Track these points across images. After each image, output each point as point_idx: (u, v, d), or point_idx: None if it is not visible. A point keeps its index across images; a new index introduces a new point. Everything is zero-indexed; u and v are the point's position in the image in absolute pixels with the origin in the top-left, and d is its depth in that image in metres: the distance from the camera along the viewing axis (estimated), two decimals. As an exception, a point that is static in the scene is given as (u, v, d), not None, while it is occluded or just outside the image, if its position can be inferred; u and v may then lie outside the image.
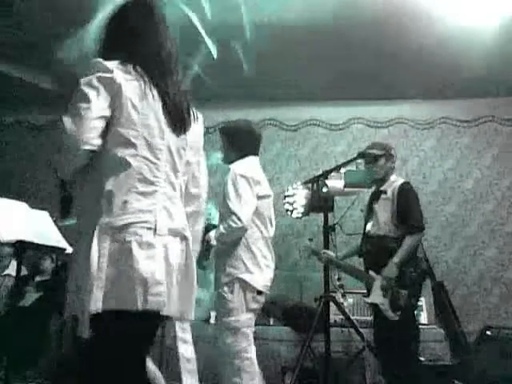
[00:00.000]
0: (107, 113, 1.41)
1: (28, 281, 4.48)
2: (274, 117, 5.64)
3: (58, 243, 2.83)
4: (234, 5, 3.73)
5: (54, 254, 4.40)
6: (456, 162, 5.38)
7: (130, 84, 1.45)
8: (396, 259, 2.98)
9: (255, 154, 2.88)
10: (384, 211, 3.17)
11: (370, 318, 3.74)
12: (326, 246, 3.60)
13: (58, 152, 1.44)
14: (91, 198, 1.41)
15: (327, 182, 3.54)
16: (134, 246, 1.35)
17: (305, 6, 3.88)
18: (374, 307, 3.11)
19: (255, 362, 2.60)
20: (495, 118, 5.42)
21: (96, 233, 1.33)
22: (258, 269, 2.66)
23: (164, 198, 1.47)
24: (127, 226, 1.36)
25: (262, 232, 2.74)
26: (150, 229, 1.39)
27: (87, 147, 1.37)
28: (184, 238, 1.52)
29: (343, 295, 3.95)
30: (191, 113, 1.63)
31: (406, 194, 3.14)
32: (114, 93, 1.41)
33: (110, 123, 1.42)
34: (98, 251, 1.32)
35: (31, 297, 4.37)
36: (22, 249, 2.75)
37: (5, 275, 4.49)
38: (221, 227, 2.61)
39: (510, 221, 5.18)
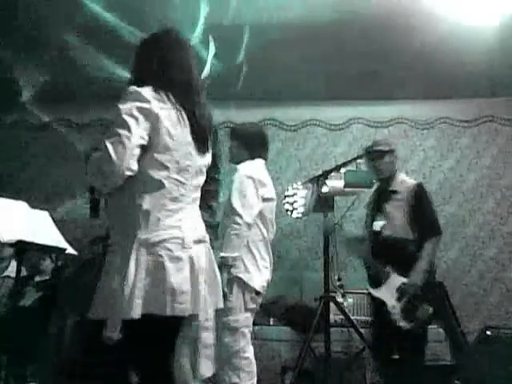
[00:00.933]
0: (145, 141, 1.57)
1: (28, 281, 4.48)
2: (274, 117, 5.64)
3: (58, 243, 2.83)
4: (234, 5, 3.73)
5: (54, 254, 4.39)
6: (456, 162, 5.38)
7: (166, 112, 1.60)
8: (424, 265, 2.95)
9: (265, 158, 2.93)
10: (398, 212, 3.13)
11: (370, 318, 3.73)
12: (326, 246, 3.60)
13: (90, 169, 1.62)
14: (126, 214, 1.59)
15: (327, 181, 3.54)
16: (166, 261, 1.54)
17: (305, 6, 3.88)
18: (378, 304, 3.08)
19: (253, 361, 2.62)
20: (495, 118, 5.42)
21: (135, 247, 1.52)
22: (257, 270, 2.69)
23: (188, 212, 1.67)
24: (161, 241, 1.55)
25: (263, 234, 2.76)
26: (178, 244, 1.58)
27: (128, 173, 1.55)
28: (205, 244, 1.72)
29: (343, 295, 3.95)
30: (212, 133, 1.82)
31: (423, 196, 3.14)
32: (152, 122, 1.57)
33: (146, 148, 1.59)
34: (136, 263, 1.50)
35: (31, 297, 4.37)
36: (21, 249, 2.75)
37: (4, 276, 4.49)
38: (226, 235, 2.62)
39: (510, 221, 5.18)
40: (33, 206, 2.87)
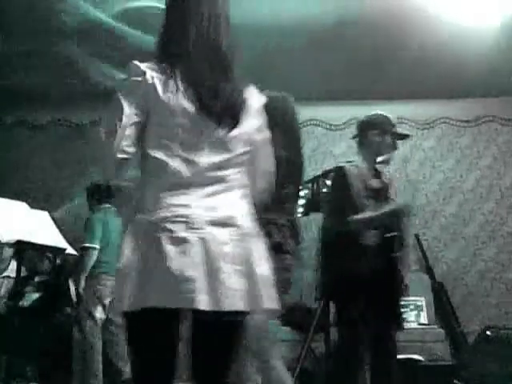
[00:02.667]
0: (141, 118, 1.40)
1: (28, 281, 4.48)
2: (274, 117, 5.63)
3: (58, 243, 2.83)
4: (233, 4, 3.73)
5: (53, 254, 4.39)
6: (456, 162, 5.38)
7: (163, 84, 1.40)
8: None
9: None
10: None
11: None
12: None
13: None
14: (132, 198, 1.48)
15: (327, 181, 3.54)
16: (165, 242, 1.30)
17: (304, 6, 3.88)
18: None
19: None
20: (495, 118, 5.42)
21: (129, 229, 1.37)
22: None
23: (204, 192, 1.40)
24: (160, 220, 1.33)
25: None
26: (183, 223, 1.33)
27: (122, 155, 1.40)
28: (234, 228, 1.40)
29: (343, 295, 3.94)
30: (240, 108, 1.51)
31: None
32: (147, 96, 1.40)
33: (144, 125, 1.42)
34: (131, 249, 1.33)
35: (31, 297, 4.37)
36: (21, 249, 2.75)
37: (4, 276, 4.49)
38: None
39: (510, 221, 5.18)
40: (33, 206, 2.87)
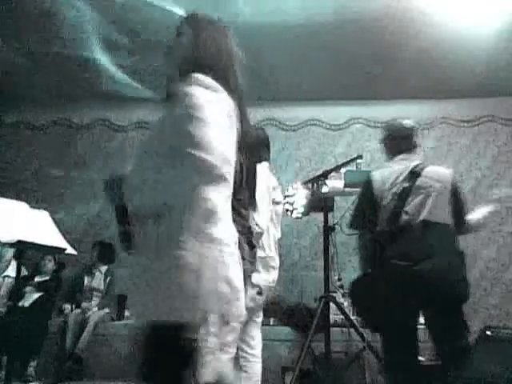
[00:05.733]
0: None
1: (28, 281, 4.48)
2: (274, 117, 5.64)
3: (58, 243, 2.82)
4: (234, 4, 3.73)
5: (53, 254, 4.40)
6: (456, 162, 5.38)
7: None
8: None
9: (268, 160, 2.92)
10: None
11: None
12: (326, 247, 3.60)
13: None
14: (192, 212, 1.44)
15: (327, 181, 3.54)
16: (228, 259, 1.40)
17: (305, 6, 3.88)
18: None
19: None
20: (495, 118, 5.42)
21: (204, 243, 1.38)
22: (265, 270, 2.71)
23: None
24: (223, 239, 1.41)
25: (273, 235, 2.81)
26: (234, 242, 1.47)
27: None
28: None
29: (343, 295, 3.95)
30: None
31: None
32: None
33: None
34: (203, 260, 1.36)
35: (31, 297, 4.37)
36: (21, 249, 2.75)
37: (4, 276, 4.49)
38: None
39: (510, 221, 5.18)
40: (32, 206, 2.87)
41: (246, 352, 2.64)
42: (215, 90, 1.44)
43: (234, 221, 2.01)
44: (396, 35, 4.18)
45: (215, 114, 1.40)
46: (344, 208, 4.04)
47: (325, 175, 3.57)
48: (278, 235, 2.89)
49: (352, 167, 3.66)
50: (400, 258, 2.42)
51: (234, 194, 1.77)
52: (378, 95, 5.27)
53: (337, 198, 3.92)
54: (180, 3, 3.61)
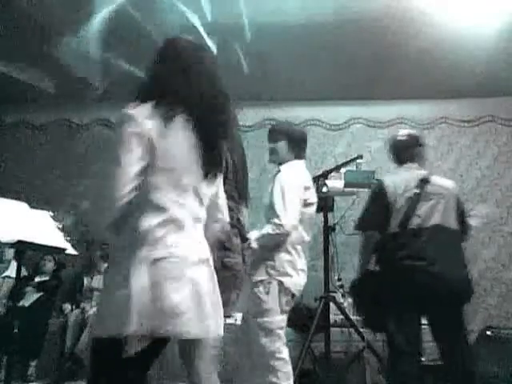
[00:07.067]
0: (142, 166, 1.51)
1: (28, 281, 4.48)
2: (274, 117, 5.63)
3: (58, 243, 2.82)
4: (234, 5, 3.73)
5: (53, 254, 4.40)
6: (456, 162, 5.38)
7: (166, 131, 1.53)
8: None
9: (304, 157, 2.88)
10: None
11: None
12: (326, 247, 3.61)
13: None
14: (126, 234, 1.55)
15: (327, 181, 3.54)
16: (165, 279, 1.47)
17: (305, 6, 3.88)
18: None
19: (289, 362, 2.60)
20: (495, 118, 5.42)
21: (135, 263, 1.47)
22: (295, 272, 2.67)
23: (190, 233, 1.59)
24: (160, 259, 1.49)
25: (303, 237, 2.75)
26: (177, 263, 1.51)
27: (123, 201, 1.50)
28: (208, 266, 1.64)
29: (343, 295, 3.96)
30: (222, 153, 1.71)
31: None
32: (146, 144, 1.51)
33: (145, 171, 1.52)
34: (136, 281, 1.45)
35: (31, 297, 4.37)
36: (21, 249, 2.75)
37: (4, 276, 4.49)
38: (264, 230, 2.61)
39: (510, 221, 5.18)
40: (33, 206, 2.87)
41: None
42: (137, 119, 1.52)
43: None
44: (396, 35, 4.18)
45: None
46: (344, 208, 4.05)
47: (325, 175, 3.57)
48: (308, 238, 2.80)
49: (352, 167, 3.66)
50: (414, 258, 2.55)
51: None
52: (378, 95, 5.27)
53: (337, 198, 3.92)
54: (182, 3, 3.61)
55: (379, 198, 2.73)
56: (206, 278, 1.60)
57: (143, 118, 1.52)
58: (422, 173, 2.79)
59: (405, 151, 2.88)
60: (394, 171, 2.92)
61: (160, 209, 1.53)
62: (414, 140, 2.92)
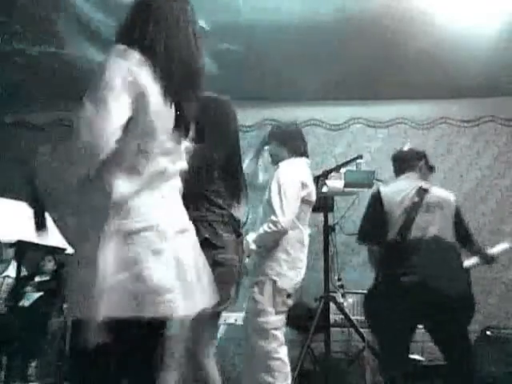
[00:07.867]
0: (126, 119, 1.36)
1: (28, 281, 4.48)
2: (274, 117, 5.62)
3: (58, 243, 2.82)
4: (234, 5, 3.73)
5: (53, 254, 4.40)
6: (456, 162, 5.38)
7: (154, 87, 1.37)
8: None
9: (306, 155, 2.90)
10: None
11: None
12: (326, 247, 3.60)
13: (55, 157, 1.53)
14: (95, 203, 1.36)
15: (327, 181, 3.54)
16: (145, 253, 1.30)
17: (305, 6, 3.88)
18: None
19: (287, 362, 2.61)
20: (495, 118, 5.42)
21: (104, 237, 1.28)
22: (293, 272, 2.68)
23: (169, 200, 1.44)
24: (136, 231, 1.31)
25: (301, 235, 2.76)
26: (158, 233, 1.34)
27: (101, 157, 1.35)
28: (190, 234, 1.50)
29: (343, 295, 3.95)
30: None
31: None
32: (136, 98, 1.36)
33: (126, 128, 1.36)
34: (106, 256, 1.26)
35: (31, 297, 4.37)
36: (22, 249, 2.75)
37: (4, 276, 4.49)
38: (260, 229, 2.62)
39: (510, 220, 5.17)
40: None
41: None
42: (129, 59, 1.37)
43: (209, 210, 2.04)
44: (396, 35, 4.18)
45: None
46: (344, 208, 4.05)
47: (325, 175, 3.57)
48: (307, 236, 2.81)
49: (352, 167, 3.66)
50: (412, 271, 2.49)
51: (206, 186, 1.86)
52: (378, 95, 5.27)
53: (337, 198, 3.92)
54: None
55: (376, 207, 2.70)
56: (189, 247, 1.45)
57: (139, 63, 1.37)
58: (422, 183, 2.75)
59: (405, 162, 2.87)
60: (393, 181, 2.90)
61: (136, 173, 1.36)
62: (416, 153, 2.92)
